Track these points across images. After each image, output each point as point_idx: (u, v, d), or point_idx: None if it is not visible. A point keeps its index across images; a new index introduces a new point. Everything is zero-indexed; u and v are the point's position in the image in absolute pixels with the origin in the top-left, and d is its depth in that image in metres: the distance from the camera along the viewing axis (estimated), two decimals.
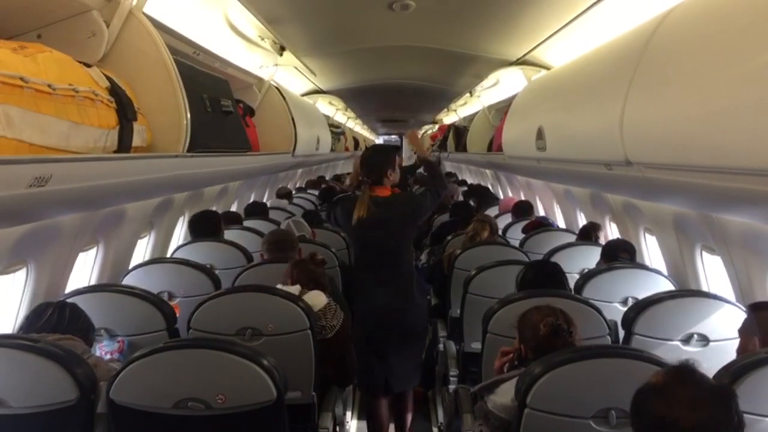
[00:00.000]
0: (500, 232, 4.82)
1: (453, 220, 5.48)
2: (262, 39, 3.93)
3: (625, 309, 2.82)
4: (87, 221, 3.00)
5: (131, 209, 3.46)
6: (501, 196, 8.39)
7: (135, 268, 3.38)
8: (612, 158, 2.30)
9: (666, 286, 3.11)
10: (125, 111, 2.21)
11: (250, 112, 4.40)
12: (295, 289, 2.79)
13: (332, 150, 8.10)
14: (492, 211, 5.99)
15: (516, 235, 4.98)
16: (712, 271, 3.31)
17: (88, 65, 2.18)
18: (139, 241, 3.86)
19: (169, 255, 4.14)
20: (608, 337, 2.62)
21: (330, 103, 8.31)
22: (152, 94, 2.44)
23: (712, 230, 2.94)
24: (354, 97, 8.65)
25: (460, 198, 7.50)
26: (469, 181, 10.97)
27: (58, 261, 2.90)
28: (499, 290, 3.04)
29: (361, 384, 3.45)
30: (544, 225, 4.94)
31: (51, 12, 2.25)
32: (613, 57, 2.44)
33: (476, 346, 3.00)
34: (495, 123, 6.47)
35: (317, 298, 2.81)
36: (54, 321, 2.26)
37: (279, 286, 2.83)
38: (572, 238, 4.34)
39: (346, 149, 11.23)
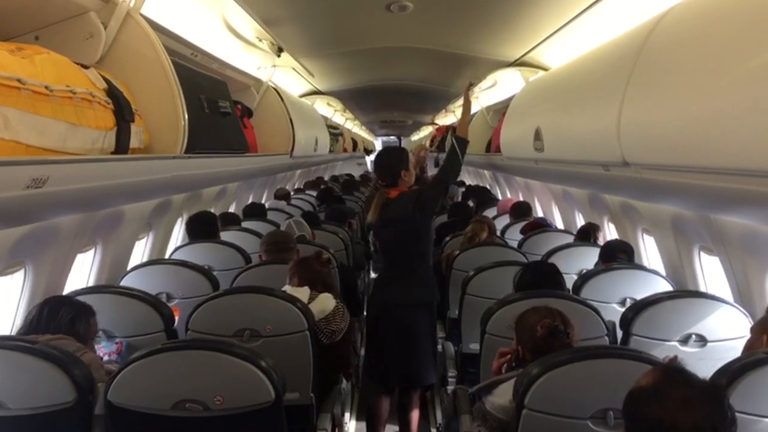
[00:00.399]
0: (498, 233, 4.82)
1: (451, 221, 5.49)
2: (260, 40, 3.93)
3: (623, 310, 2.82)
4: (85, 222, 2.99)
5: (129, 210, 3.45)
6: (500, 197, 8.40)
7: (133, 269, 3.38)
8: (609, 159, 2.30)
9: (664, 286, 3.11)
10: (123, 112, 2.21)
11: (248, 113, 4.40)
12: (304, 292, 2.79)
13: (330, 151, 8.10)
14: (490, 212, 5.99)
15: (514, 236, 4.99)
16: (710, 272, 3.31)
17: (85, 67, 2.18)
18: (137, 242, 3.86)
19: (167, 256, 4.13)
20: (606, 338, 2.62)
21: (328, 104, 8.31)
22: (150, 95, 2.44)
23: (710, 231, 2.95)
24: (352, 98, 8.65)
25: (459, 199, 7.50)
26: (468, 182, 10.98)
27: (57, 262, 2.90)
28: (498, 291, 3.05)
29: (369, 375, 3.47)
30: (542, 226, 4.95)
31: (48, 14, 2.25)
32: (611, 58, 2.44)
33: (474, 346, 3.00)
34: (493, 124, 6.47)
35: (327, 302, 2.80)
36: (43, 320, 2.25)
37: (286, 288, 2.82)
38: (571, 239, 4.34)
39: (345, 150, 11.23)
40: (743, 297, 2.79)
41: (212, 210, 5.00)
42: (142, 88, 2.44)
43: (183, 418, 1.99)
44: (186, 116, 2.52)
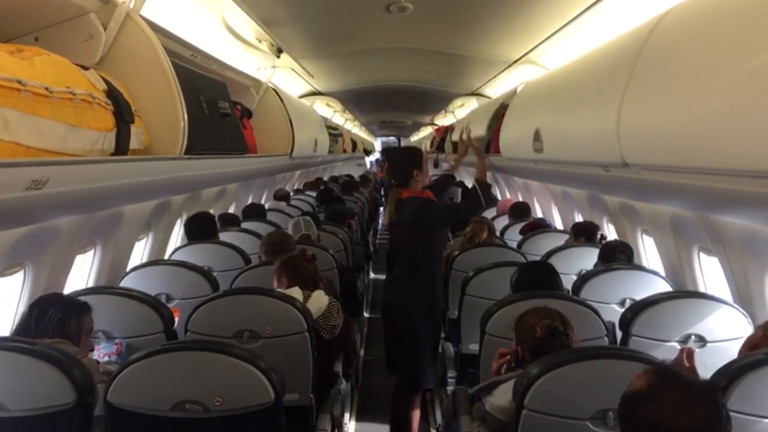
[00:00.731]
0: (498, 234, 4.83)
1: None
2: (260, 41, 3.93)
3: (622, 310, 2.83)
4: (85, 223, 2.99)
5: (129, 211, 3.46)
6: (499, 198, 8.39)
7: (133, 270, 3.38)
8: (609, 160, 2.30)
9: (663, 287, 3.12)
10: (122, 113, 2.21)
11: (248, 114, 4.40)
12: (297, 293, 2.78)
13: (330, 152, 8.10)
14: (490, 213, 5.99)
15: (514, 237, 4.99)
16: (709, 273, 3.31)
17: (85, 68, 2.18)
18: (136, 243, 3.86)
19: (166, 257, 4.13)
20: (606, 339, 2.63)
21: (327, 104, 8.31)
22: (149, 96, 2.44)
23: (709, 231, 2.95)
24: (352, 99, 8.65)
25: (459, 200, 7.49)
26: (467, 182, 10.94)
27: (56, 263, 2.90)
28: (497, 292, 3.05)
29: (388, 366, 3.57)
30: (541, 226, 4.95)
31: (48, 15, 2.25)
32: (610, 59, 2.45)
33: (474, 347, 3.01)
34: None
35: (320, 300, 2.81)
36: (33, 323, 2.24)
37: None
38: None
39: (344, 151, 11.23)
40: (742, 297, 2.80)
41: (212, 211, 5.00)
42: (142, 89, 2.44)
43: (183, 419, 1.99)
44: (185, 117, 2.52)
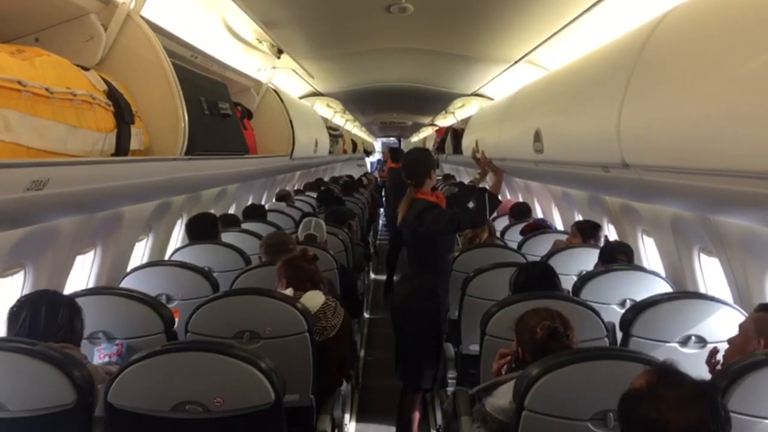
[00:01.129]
0: (498, 235, 4.83)
1: None
2: (260, 42, 3.93)
3: (623, 311, 2.83)
4: (85, 224, 2.99)
5: (129, 212, 3.46)
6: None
7: (133, 270, 3.38)
8: (609, 161, 2.30)
9: (664, 288, 3.12)
10: (123, 114, 2.21)
11: (248, 114, 4.40)
12: (288, 293, 2.79)
13: (330, 152, 8.10)
14: None
15: (514, 237, 4.99)
16: (709, 273, 3.31)
17: (85, 69, 2.18)
18: (137, 244, 3.86)
19: (167, 258, 4.14)
20: (606, 339, 2.63)
21: (328, 105, 8.31)
22: (150, 97, 2.44)
23: (709, 232, 2.95)
24: (352, 100, 8.66)
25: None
26: (467, 182, 10.95)
27: (56, 264, 2.90)
28: (497, 292, 3.05)
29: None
30: (542, 227, 4.95)
31: (48, 16, 2.25)
32: (610, 59, 2.45)
33: (474, 348, 3.00)
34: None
35: (314, 299, 2.80)
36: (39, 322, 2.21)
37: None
38: (565, 238, 4.35)
39: (344, 152, 11.23)
40: (743, 298, 2.80)
41: (212, 211, 5.00)
42: (143, 89, 2.44)
43: (183, 420, 1.99)
44: (186, 118, 2.52)
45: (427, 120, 12.67)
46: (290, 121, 4.91)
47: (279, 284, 2.93)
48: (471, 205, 3.47)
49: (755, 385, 1.78)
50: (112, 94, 2.21)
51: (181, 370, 2.01)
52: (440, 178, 11.83)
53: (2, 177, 1.47)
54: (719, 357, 2.25)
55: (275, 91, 4.92)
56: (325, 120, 8.21)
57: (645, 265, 3.92)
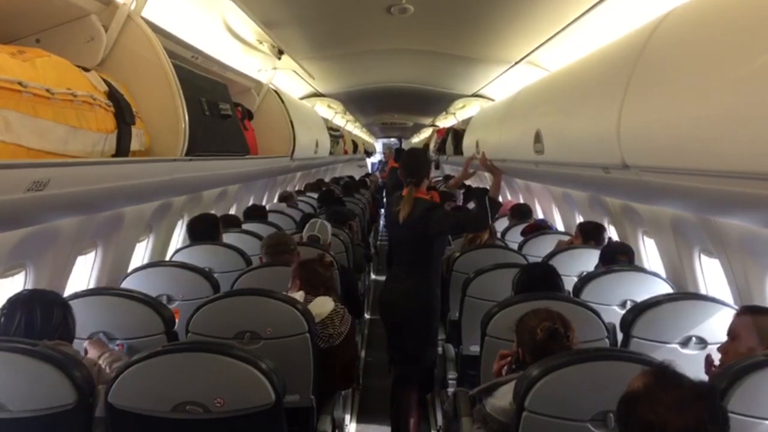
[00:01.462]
0: (499, 235, 4.83)
1: None
2: (261, 42, 3.94)
3: (623, 312, 2.83)
4: (86, 225, 3.00)
5: (130, 213, 3.46)
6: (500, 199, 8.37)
7: (134, 271, 3.38)
8: (609, 161, 2.30)
9: (664, 289, 3.12)
10: (123, 115, 2.21)
11: (249, 115, 4.40)
12: (299, 297, 2.77)
13: (331, 153, 8.10)
14: None
15: (515, 238, 4.99)
16: (710, 274, 3.31)
17: (86, 69, 2.18)
18: (138, 245, 3.86)
19: (168, 258, 4.14)
20: (606, 340, 2.63)
21: (329, 106, 8.31)
22: (150, 98, 2.44)
23: (710, 233, 2.95)
24: (353, 101, 8.66)
25: (461, 201, 7.50)
26: (468, 183, 10.96)
27: (57, 264, 2.90)
28: (498, 293, 3.05)
29: (390, 366, 3.69)
30: (542, 228, 4.95)
31: (49, 16, 2.25)
32: (610, 60, 2.45)
33: (475, 348, 3.00)
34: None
35: (324, 305, 2.78)
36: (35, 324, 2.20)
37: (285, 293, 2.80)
38: (567, 239, 4.34)
39: (345, 152, 11.23)
40: (744, 299, 2.79)
41: (213, 212, 5.00)
42: (143, 90, 2.44)
43: (183, 421, 1.99)
44: (186, 119, 2.52)
45: (427, 121, 12.68)
46: (291, 122, 4.91)
47: (292, 286, 2.92)
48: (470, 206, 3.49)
49: (755, 386, 1.77)
50: (113, 94, 2.22)
51: (182, 370, 2.01)
52: (441, 178, 11.83)
53: (3, 178, 1.47)
54: (716, 362, 2.24)
55: (276, 91, 4.93)
56: (326, 120, 8.21)
57: (645, 266, 3.91)
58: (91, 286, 3.40)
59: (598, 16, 3.03)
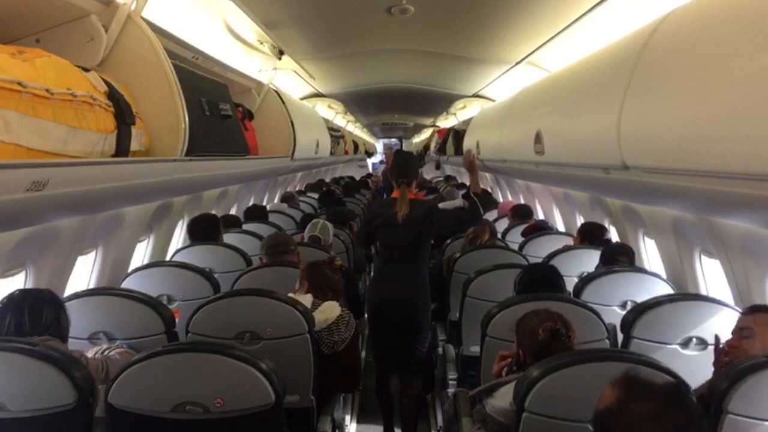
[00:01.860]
0: (499, 236, 4.82)
1: None
2: (261, 43, 3.94)
3: (624, 312, 2.82)
4: (86, 225, 3.00)
5: (130, 213, 3.46)
6: (500, 199, 8.39)
7: (134, 271, 3.38)
8: (609, 162, 2.30)
9: (665, 289, 3.11)
10: (123, 115, 2.21)
11: (249, 115, 4.41)
12: (306, 300, 2.75)
13: (331, 153, 8.11)
14: (490, 215, 5.98)
15: (515, 239, 4.98)
16: (710, 275, 3.31)
17: (86, 70, 2.19)
18: (138, 245, 3.86)
19: (168, 258, 4.14)
20: (607, 341, 2.62)
21: (329, 106, 8.32)
22: (151, 98, 2.44)
23: (711, 234, 2.94)
24: (353, 101, 8.67)
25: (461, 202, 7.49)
26: (468, 184, 10.95)
27: (57, 264, 2.90)
28: (498, 294, 3.04)
29: (377, 365, 3.78)
30: (543, 228, 4.94)
31: (49, 17, 2.26)
32: (611, 61, 2.45)
33: (475, 349, 3.00)
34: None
35: (332, 311, 2.75)
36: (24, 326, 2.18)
37: (290, 295, 2.77)
38: (571, 242, 4.33)
39: (346, 152, 11.23)
40: (744, 300, 2.79)
41: (213, 212, 5.00)
42: (143, 90, 2.44)
43: (183, 421, 1.99)
44: (187, 119, 2.52)
45: (428, 121, 12.68)
46: (291, 122, 4.92)
47: (299, 287, 2.91)
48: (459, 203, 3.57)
49: (756, 386, 1.77)
50: (113, 95, 2.22)
51: (182, 370, 2.01)
52: (441, 179, 11.83)
53: (2, 177, 1.48)
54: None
55: (276, 92, 4.93)
56: (327, 121, 8.22)
57: (646, 266, 3.91)
58: (92, 286, 3.40)
59: (598, 16, 3.03)
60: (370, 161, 19.43)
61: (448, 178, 11.22)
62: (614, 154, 2.18)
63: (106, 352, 2.47)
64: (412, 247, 3.54)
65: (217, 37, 3.61)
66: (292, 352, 2.57)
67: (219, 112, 3.24)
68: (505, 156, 4.80)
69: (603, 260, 3.52)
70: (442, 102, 8.30)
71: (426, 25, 4.04)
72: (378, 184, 13.09)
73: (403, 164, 3.68)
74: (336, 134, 9.16)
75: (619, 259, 3.44)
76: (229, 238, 4.22)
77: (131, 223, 3.54)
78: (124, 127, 2.21)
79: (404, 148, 18.74)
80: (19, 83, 1.61)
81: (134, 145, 2.30)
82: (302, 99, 6.89)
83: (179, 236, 4.70)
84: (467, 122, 7.42)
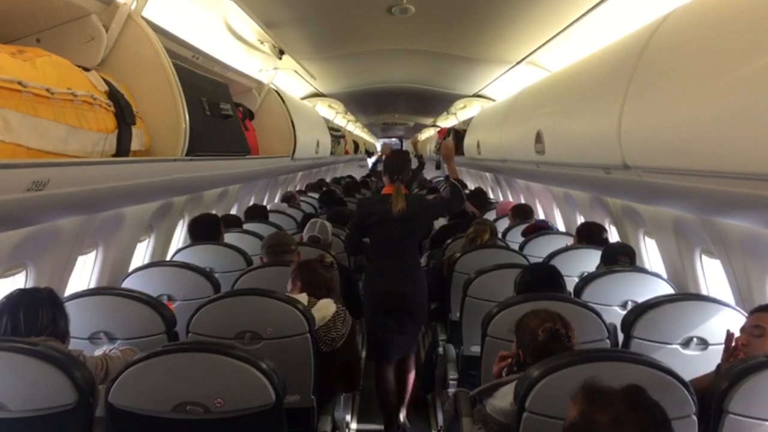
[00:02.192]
0: (500, 236, 4.82)
1: (453, 224, 5.48)
2: (262, 43, 3.94)
3: (624, 312, 2.82)
4: (86, 224, 3.00)
5: (131, 213, 3.46)
6: (501, 199, 8.39)
7: (134, 271, 3.38)
8: (610, 162, 2.30)
9: (665, 289, 3.11)
10: (124, 115, 2.21)
11: (250, 115, 4.40)
12: (303, 299, 2.75)
13: (332, 153, 8.11)
14: (489, 216, 5.98)
15: (516, 239, 4.98)
16: (711, 275, 3.30)
17: (86, 69, 2.18)
18: (138, 244, 3.86)
19: (168, 258, 4.14)
20: (607, 341, 2.62)
21: (330, 106, 8.31)
22: (151, 97, 2.44)
23: (711, 234, 2.94)
24: (354, 101, 8.67)
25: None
26: (468, 183, 10.97)
27: (58, 264, 2.90)
28: (499, 294, 3.04)
29: (374, 355, 3.86)
30: (543, 228, 4.94)
31: (50, 16, 2.25)
32: (611, 61, 2.44)
33: (475, 349, 3.00)
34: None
35: (327, 308, 2.75)
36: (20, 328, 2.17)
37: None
38: (572, 241, 4.33)
39: (346, 152, 11.23)
40: (745, 299, 2.79)
41: (214, 212, 5.00)
42: (144, 90, 2.44)
43: (183, 421, 1.99)
44: (187, 119, 2.52)
45: (429, 121, 12.68)
46: (292, 122, 4.92)
47: (292, 288, 2.90)
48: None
49: (756, 387, 1.77)
50: (113, 94, 2.21)
51: (182, 370, 2.00)
52: (442, 178, 11.82)
53: (2, 177, 1.47)
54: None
55: (277, 91, 4.93)
56: (327, 121, 8.21)
57: (647, 266, 3.91)
58: (92, 285, 3.40)
59: (598, 16, 3.03)
60: (370, 161, 19.43)
61: (448, 178, 11.20)
62: (615, 154, 2.18)
63: (110, 352, 2.47)
64: (408, 240, 3.71)
65: (218, 37, 3.61)
66: (293, 351, 2.57)
67: (219, 112, 3.23)
68: (506, 156, 4.80)
69: (603, 260, 3.51)
70: (442, 102, 8.30)
71: (426, 25, 4.04)
72: (378, 184, 13.10)
73: (398, 162, 3.84)
74: (336, 134, 9.16)
75: (620, 259, 3.43)
76: (229, 237, 4.22)
77: (131, 223, 3.54)
78: (124, 127, 2.21)
79: (404, 147, 18.77)
80: (20, 83, 1.61)
81: (135, 145, 2.30)
82: (303, 99, 6.89)
83: (179, 236, 4.70)
84: (467, 122, 7.42)
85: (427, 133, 15.13)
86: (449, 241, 4.66)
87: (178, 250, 3.97)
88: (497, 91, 6.36)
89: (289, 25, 3.83)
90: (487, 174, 9.53)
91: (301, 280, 2.87)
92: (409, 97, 8.18)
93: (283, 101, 4.91)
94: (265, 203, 7.22)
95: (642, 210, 3.74)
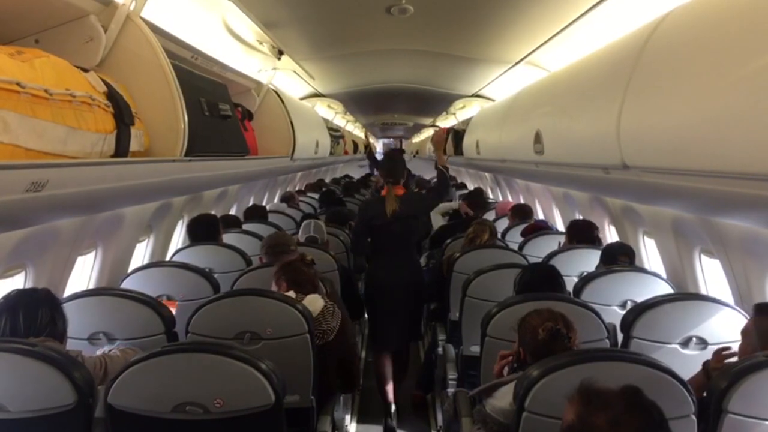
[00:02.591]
0: (499, 236, 4.82)
1: (452, 224, 5.48)
2: (261, 43, 3.94)
3: (623, 312, 2.82)
4: (85, 225, 2.99)
5: (130, 213, 3.46)
6: (500, 199, 8.39)
7: (134, 271, 3.38)
8: (609, 162, 2.30)
9: (665, 289, 3.11)
10: (123, 115, 2.21)
11: (249, 116, 4.40)
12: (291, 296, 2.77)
13: (331, 153, 8.10)
14: (489, 216, 5.97)
15: (515, 239, 4.98)
16: (710, 275, 3.30)
17: (85, 70, 2.18)
18: (138, 245, 3.86)
19: (168, 258, 4.14)
20: (607, 341, 2.62)
21: (329, 106, 8.31)
22: (150, 98, 2.44)
23: (710, 234, 2.94)
24: (353, 101, 8.66)
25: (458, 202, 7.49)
26: (468, 183, 10.98)
27: (57, 264, 2.90)
28: (498, 294, 3.04)
29: (373, 344, 4.20)
30: (543, 228, 4.94)
31: (48, 17, 2.25)
32: (610, 61, 2.44)
33: (475, 349, 3.00)
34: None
35: (315, 303, 2.78)
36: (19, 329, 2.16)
37: None
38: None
39: (345, 152, 11.23)
40: (744, 299, 2.79)
41: (213, 212, 5.00)
42: (142, 91, 2.44)
43: (183, 421, 1.99)
44: (186, 119, 2.52)
45: (428, 121, 12.68)
46: (291, 122, 4.91)
47: (279, 288, 2.91)
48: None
49: (756, 386, 1.77)
50: (112, 95, 2.21)
51: (182, 371, 2.00)
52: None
53: (1, 178, 1.47)
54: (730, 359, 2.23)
55: (276, 92, 4.93)
56: (326, 121, 8.21)
57: (646, 266, 3.91)
58: (91, 286, 3.40)
59: (598, 16, 3.03)
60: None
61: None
62: (614, 154, 2.18)
63: (110, 352, 2.47)
64: (404, 235, 4.02)
65: (217, 37, 3.60)
66: (292, 352, 2.57)
67: (218, 113, 3.23)
68: (505, 156, 4.80)
69: (603, 260, 3.51)
70: (441, 102, 8.29)
71: (426, 25, 4.04)
72: (378, 184, 13.10)
73: (390, 166, 4.13)
74: (336, 134, 9.16)
75: (620, 258, 3.43)
76: (228, 238, 4.22)
77: (131, 224, 3.54)
78: (123, 128, 2.21)
79: (404, 148, 18.81)
80: (18, 84, 1.61)
81: (133, 146, 2.30)
82: (302, 99, 6.89)
83: (179, 236, 4.70)
84: (467, 122, 7.42)
85: (427, 133, 15.13)
86: (448, 241, 4.66)
87: (178, 251, 3.97)
88: (496, 91, 6.35)
89: (288, 25, 3.83)
90: (487, 174, 9.53)
91: (287, 280, 2.88)
92: (408, 97, 8.18)
93: (282, 101, 4.90)
94: (264, 203, 7.22)
95: (641, 210, 3.74)
